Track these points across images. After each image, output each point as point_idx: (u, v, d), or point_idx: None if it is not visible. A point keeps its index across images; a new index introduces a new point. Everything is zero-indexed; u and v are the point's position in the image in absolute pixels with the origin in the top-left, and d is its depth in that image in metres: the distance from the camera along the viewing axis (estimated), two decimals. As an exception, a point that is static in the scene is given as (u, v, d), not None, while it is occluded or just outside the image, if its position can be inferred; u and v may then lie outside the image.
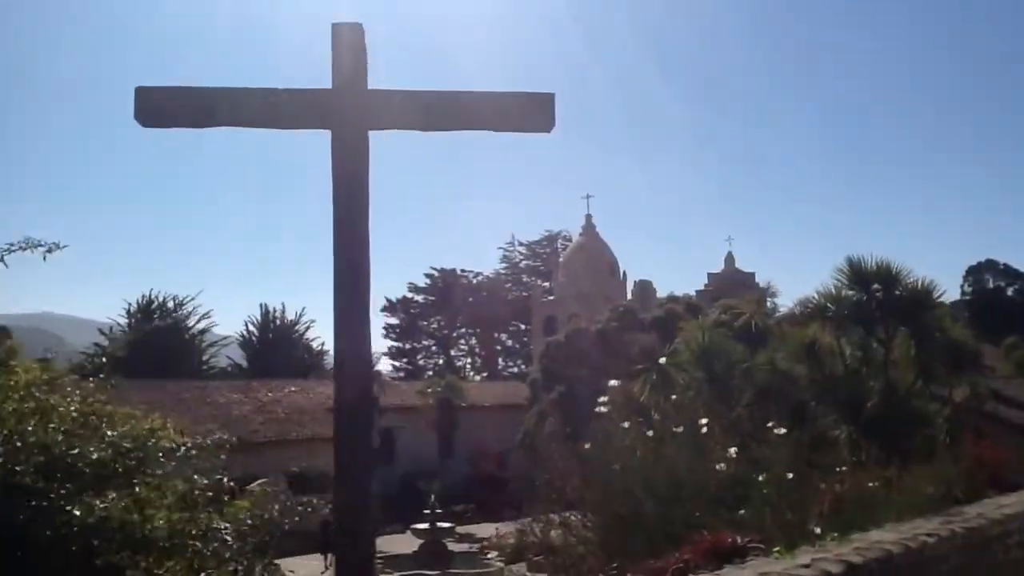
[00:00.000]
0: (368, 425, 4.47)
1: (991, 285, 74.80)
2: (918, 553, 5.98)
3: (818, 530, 6.91)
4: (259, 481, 33.77)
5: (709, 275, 49.54)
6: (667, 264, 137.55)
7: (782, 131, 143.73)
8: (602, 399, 15.19)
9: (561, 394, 29.94)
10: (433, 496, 25.31)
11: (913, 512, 7.56)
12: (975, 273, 71.84)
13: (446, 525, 24.06)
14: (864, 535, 6.34)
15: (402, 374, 70.37)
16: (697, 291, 45.62)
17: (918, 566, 5.91)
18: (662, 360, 14.31)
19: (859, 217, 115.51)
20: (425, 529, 23.71)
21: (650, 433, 8.75)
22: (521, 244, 77.69)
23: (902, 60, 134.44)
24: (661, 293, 46.07)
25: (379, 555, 26.24)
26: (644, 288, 47.38)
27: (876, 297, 13.23)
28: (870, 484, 8.50)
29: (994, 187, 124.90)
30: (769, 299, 25.67)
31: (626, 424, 8.77)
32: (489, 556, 25.03)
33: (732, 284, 45.30)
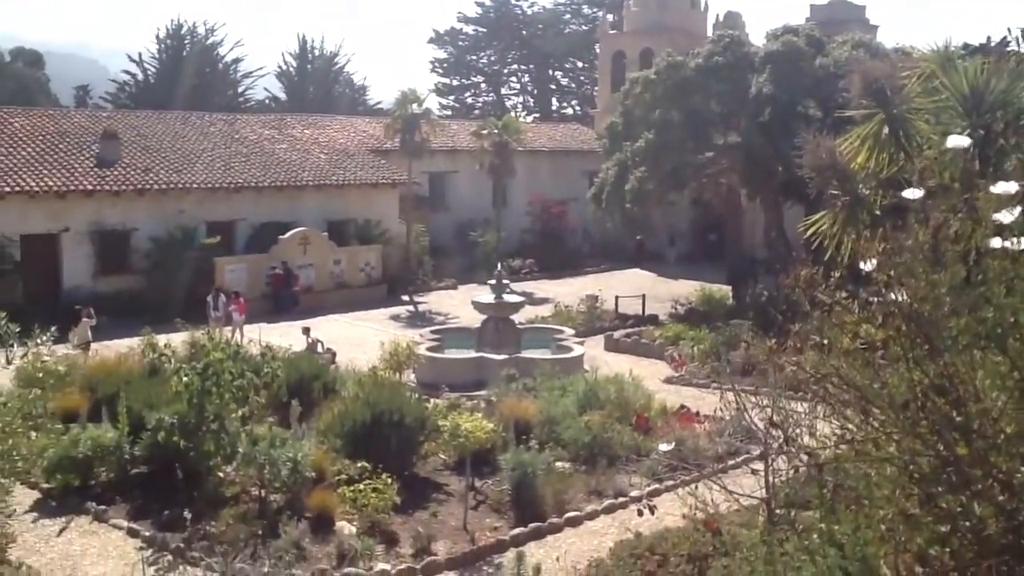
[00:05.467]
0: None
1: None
2: None
3: None
4: (296, 230, 30.31)
5: (812, 7, 42.57)
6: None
7: None
8: (800, 156, 10.80)
9: (650, 143, 25.05)
10: (500, 265, 21.17)
11: None
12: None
13: (516, 299, 20.06)
14: None
15: (449, 112, 65.76)
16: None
17: None
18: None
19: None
20: (490, 303, 19.71)
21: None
22: (583, -30, 69.54)
23: None
24: (749, 29, 39.84)
25: (435, 329, 22.80)
26: (733, 21, 40.87)
27: None
28: None
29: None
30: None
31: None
32: (563, 333, 21.40)
33: (838, 21, 38.72)
